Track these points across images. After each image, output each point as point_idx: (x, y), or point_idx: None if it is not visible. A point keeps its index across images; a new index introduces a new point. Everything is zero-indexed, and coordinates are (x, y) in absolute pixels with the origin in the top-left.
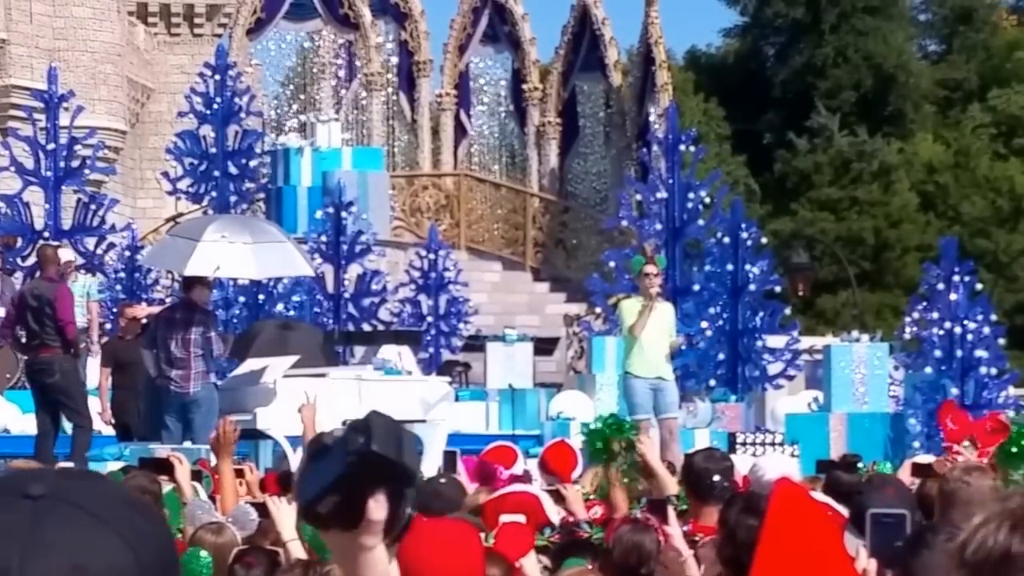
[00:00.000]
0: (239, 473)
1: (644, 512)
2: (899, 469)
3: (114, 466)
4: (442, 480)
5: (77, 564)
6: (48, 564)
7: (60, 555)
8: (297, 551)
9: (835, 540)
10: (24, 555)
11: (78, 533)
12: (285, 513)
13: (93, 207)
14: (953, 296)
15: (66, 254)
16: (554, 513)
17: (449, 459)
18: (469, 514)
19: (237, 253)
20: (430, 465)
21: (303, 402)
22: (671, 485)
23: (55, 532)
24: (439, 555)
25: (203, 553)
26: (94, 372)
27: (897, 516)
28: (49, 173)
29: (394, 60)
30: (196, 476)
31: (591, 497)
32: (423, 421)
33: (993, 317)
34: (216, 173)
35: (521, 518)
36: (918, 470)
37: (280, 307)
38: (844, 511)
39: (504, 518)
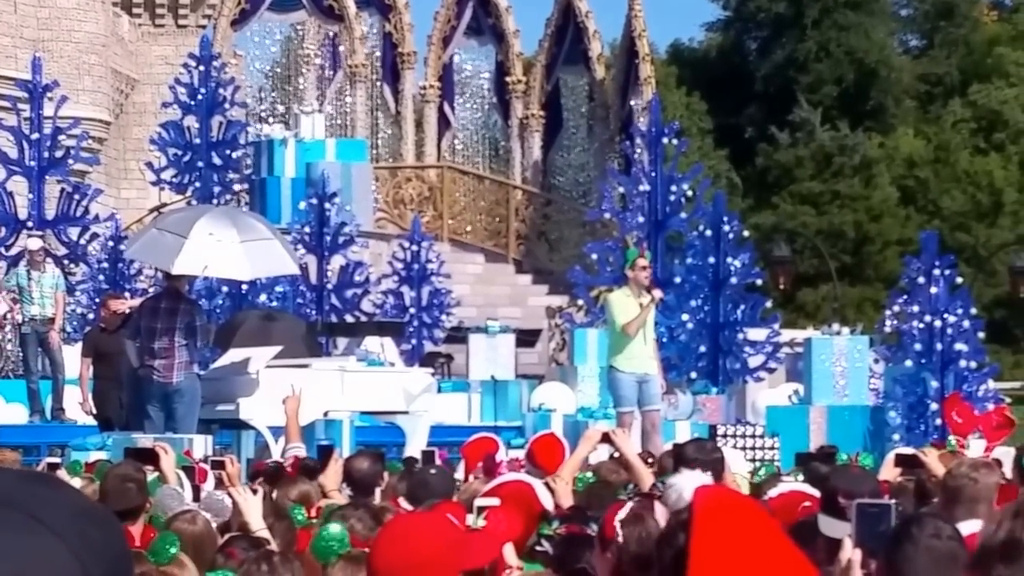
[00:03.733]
0: (219, 465)
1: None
2: (883, 461)
3: (96, 456)
4: (432, 471)
5: (17, 571)
6: None
7: (2, 562)
8: None
9: (776, 532)
10: None
11: (25, 541)
12: (252, 504)
13: (77, 197)
14: (933, 290)
15: (34, 243)
16: (549, 502)
17: (427, 458)
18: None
19: (225, 252)
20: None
21: (288, 394)
22: (647, 476)
23: (1, 538)
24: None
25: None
26: (72, 361)
27: (882, 506)
28: (33, 163)
29: (378, 52)
30: (188, 470)
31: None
32: (405, 412)
33: (973, 311)
34: (200, 164)
35: (495, 501)
36: (902, 461)
37: (263, 297)
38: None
39: (479, 502)
